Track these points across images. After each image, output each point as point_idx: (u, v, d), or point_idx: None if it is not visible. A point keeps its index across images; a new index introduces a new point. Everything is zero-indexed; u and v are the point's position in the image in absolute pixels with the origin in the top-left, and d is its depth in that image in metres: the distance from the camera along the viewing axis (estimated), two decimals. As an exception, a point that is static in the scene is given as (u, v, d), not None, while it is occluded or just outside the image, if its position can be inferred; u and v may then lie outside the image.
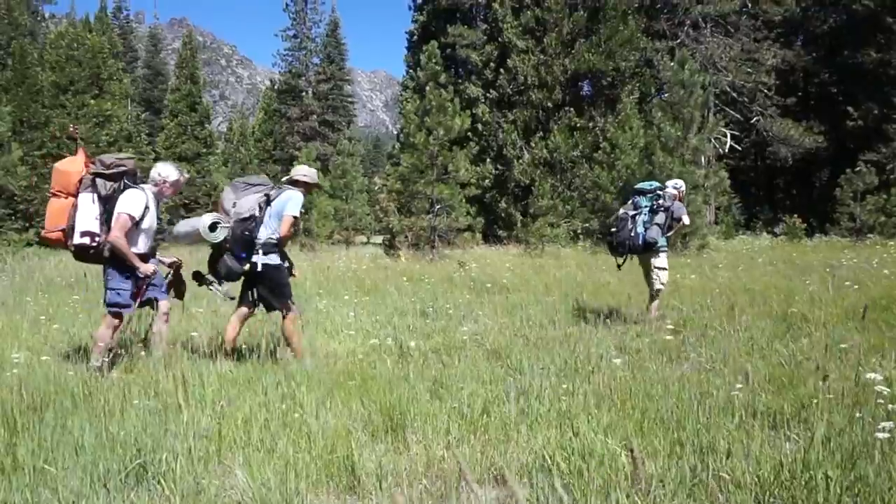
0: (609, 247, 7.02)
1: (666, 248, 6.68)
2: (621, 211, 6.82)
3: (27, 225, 26.28)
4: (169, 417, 3.43)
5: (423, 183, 17.55)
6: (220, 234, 4.66)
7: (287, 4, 49.90)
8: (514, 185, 26.97)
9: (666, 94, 21.43)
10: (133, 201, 4.53)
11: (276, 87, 51.66)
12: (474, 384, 4.08)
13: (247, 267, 4.74)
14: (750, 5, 32.30)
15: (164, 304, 4.83)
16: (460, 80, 29.12)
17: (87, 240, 4.47)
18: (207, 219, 4.71)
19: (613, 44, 27.20)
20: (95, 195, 4.49)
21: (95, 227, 4.48)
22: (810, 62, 34.23)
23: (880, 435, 2.47)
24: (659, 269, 6.62)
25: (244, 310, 4.99)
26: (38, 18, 46.92)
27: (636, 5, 29.60)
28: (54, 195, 4.58)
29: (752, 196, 34.40)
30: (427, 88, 18.26)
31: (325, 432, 3.22)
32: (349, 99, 55.10)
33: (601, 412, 3.37)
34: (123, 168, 4.59)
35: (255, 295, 4.91)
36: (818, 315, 6.20)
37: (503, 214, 26.64)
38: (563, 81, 27.52)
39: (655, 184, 6.85)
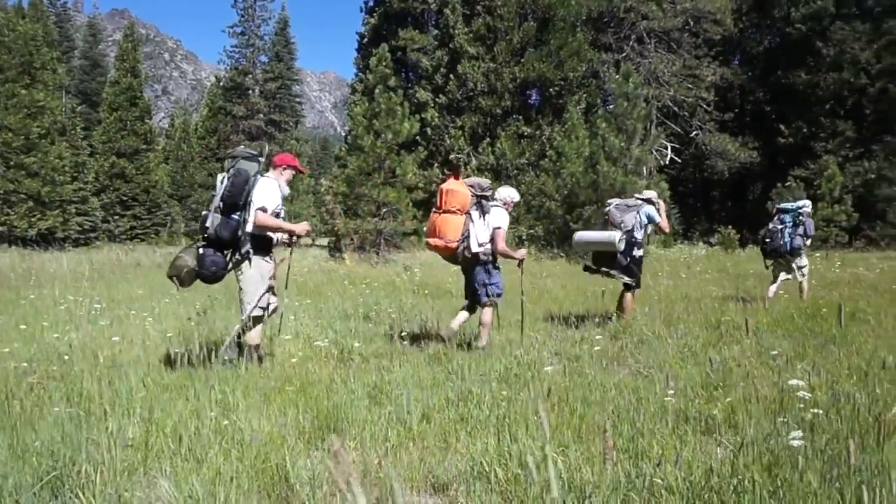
0: (763, 252, 8.89)
1: (803, 251, 8.57)
2: (770, 226, 8.69)
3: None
4: (92, 426, 3.25)
5: (369, 186, 17.43)
6: (622, 245, 6.76)
7: (235, 0, 48.84)
8: (462, 191, 27.11)
9: (611, 106, 21.97)
10: (505, 218, 5.71)
11: (221, 83, 50.41)
12: (415, 390, 4.03)
13: (628, 260, 6.88)
14: (692, 23, 33.49)
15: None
16: (410, 85, 29.14)
17: (482, 249, 5.57)
18: (616, 235, 6.73)
19: (562, 54, 27.73)
20: (480, 213, 5.59)
21: (487, 238, 5.59)
22: (746, 80, 35.77)
23: (794, 442, 2.56)
24: (802, 266, 8.59)
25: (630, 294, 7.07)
26: (-34, 1, 44.36)
27: (584, 18, 30.26)
28: (451, 212, 5.57)
29: (690, 207, 35.59)
30: (376, 91, 18.17)
31: (259, 440, 3.12)
32: (297, 99, 54.30)
33: (540, 418, 3.38)
34: (492, 190, 5.79)
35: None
36: (750, 323, 6.43)
37: (450, 219, 26.72)
38: (511, 89, 27.89)
39: (796, 204, 8.69)
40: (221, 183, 4.54)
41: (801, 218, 8.43)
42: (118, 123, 37.40)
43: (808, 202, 8.80)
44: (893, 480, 2.50)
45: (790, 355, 5.07)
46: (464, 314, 5.88)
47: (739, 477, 2.52)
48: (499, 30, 27.83)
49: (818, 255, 19.22)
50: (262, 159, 4.66)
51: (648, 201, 7.17)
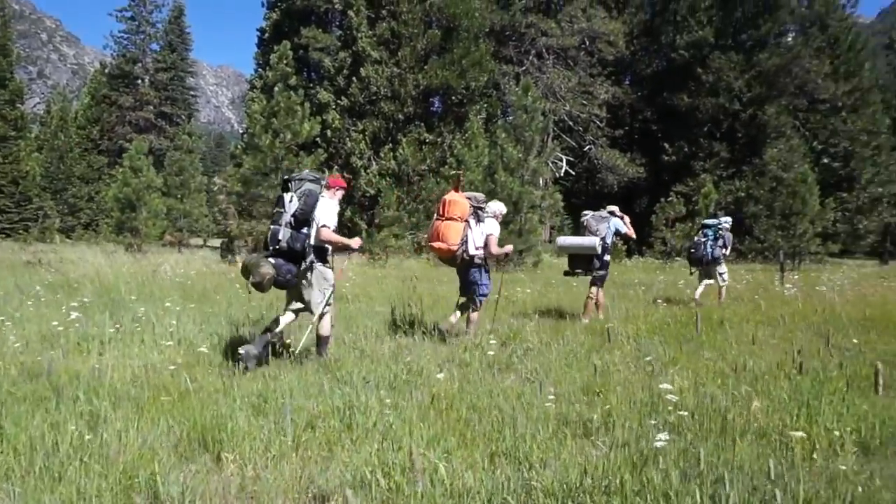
0: (689, 261, 10.35)
1: (722, 260, 9.96)
2: (696, 238, 10.15)
3: None
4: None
5: (266, 186, 16.89)
6: (598, 249, 8.04)
7: (124, -17, 45.92)
8: (361, 195, 26.88)
9: (510, 117, 22.58)
10: (497, 226, 6.72)
11: (107, 70, 47.20)
12: (301, 398, 3.93)
13: (600, 262, 8.16)
14: (588, 43, 35.14)
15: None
16: (312, 85, 28.58)
17: (478, 252, 6.52)
18: (596, 240, 8.06)
19: (465, 64, 28.17)
20: (476, 221, 6.54)
21: (482, 243, 6.54)
22: (636, 100, 37.96)
23: (658, 444, 2.72)
24: (722, 273, 9.99)
25: (595, 288, 8.33)
26: None
27: (487, 30, 30.95)
28: (453, 219, 6.43)
29: (582, 218, 37.19)
30: (276, 89, 17.67)
31: (127, 455, 2.92)
32: (191, 92, 51.87)
33: (426, 425, 3.39)
34: (486, 203, 6.74)
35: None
36: (631, 329, 6.79)
37: (348, 223, 26.42)
38: (414, 95, 28.01)
39: (717, 221, 10.11)
40: (290, 202, 5.15)
41: (720, 232, 9.89)
42: (-17, 107, 34.06)
43: (727, 219, 10.26)
44: (747, 475, 2.72)
45: (665, 360, 5.41)
46: (458, 312, 6.71)
47: (610, 478, 2.64)
48: (403, 35, 27.88)
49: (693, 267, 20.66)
50: (324, 182, 5.42)
51: (613, 214, 8.47)
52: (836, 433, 3.27)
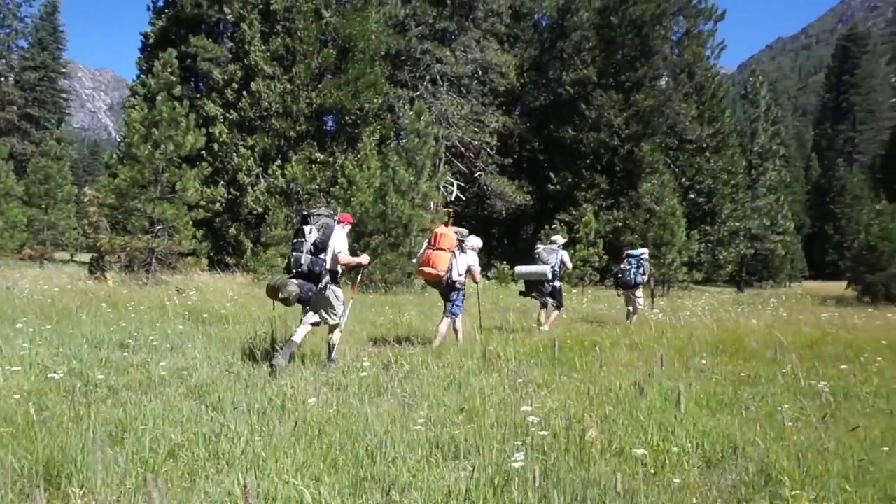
0: (616, 285, 11.56)
1: (641, 287, 11.27)
2: (622, 266, 11.27)
3: None
4: None
5: (143, 199, 15.94)
6: (550, 275, 9.76)
7: (-13, -28, 42.10)
8: (248, 212, 25.98)
9: (403, 140, 22.82)
10: (476, 258, 8.01)
11: (-38, 65, 42.84)
12: (165, 425, 3.74)
13: (550, 288, 9.96)
14: (480, 73, 36.30)
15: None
16: (198, 96, 27.42)
17: (459, 278, 7.70)
18: (546, 268, 9.76)
19: (360, 85, 28.15)
20: (460, 251, 7.73)
21: (464, 270, 7.78)
22: (524, 130, 39.58)
23: (515, 464, 2.86)
24: (638, 297, 11.27)
25: (545, 309, 10.07)
26: None
27: (382, 53, 31.18)
28: (441, 249, 7.64)
29: (473, 242, 37.99)
30: (159, 98, 16.80)
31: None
32: (63, 94, 48.28)
33: (297, 451, 3.33)
34: (466, 238, 7.94)
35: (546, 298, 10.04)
36: (510, 353, 7.02)
37: (233, 241, 25.43)
38: (307, 113, 27.58)
39: (638, 252, 11.36)
40: (310, 233, 6.16)
41: (641, 261, 11.23)
42: None
43: (646, 250, 11.82)
44: (606, 491, 2.89)
45: (539, 383, 5.63)
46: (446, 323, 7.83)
47: (473, 499, 2.72)
48: (298, 52, 27.45)
49: (575, 290, 21.71)
50: (336, 216, 6.53)
51: (562, 247, 10.22)
52: (675, 448, 3.56)
